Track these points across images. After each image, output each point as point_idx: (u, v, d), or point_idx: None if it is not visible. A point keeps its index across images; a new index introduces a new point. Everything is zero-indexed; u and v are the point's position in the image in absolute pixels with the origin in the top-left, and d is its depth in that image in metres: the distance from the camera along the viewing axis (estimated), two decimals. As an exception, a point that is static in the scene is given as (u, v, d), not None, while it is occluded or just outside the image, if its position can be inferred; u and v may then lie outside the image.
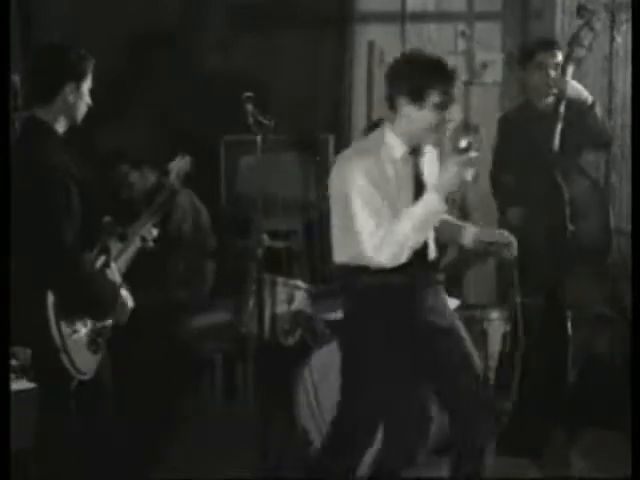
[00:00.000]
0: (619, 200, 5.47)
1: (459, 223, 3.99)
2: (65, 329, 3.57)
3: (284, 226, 5.75)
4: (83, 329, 3.66)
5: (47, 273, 3.54)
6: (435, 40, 6.21)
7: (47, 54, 3.76)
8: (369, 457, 3.99)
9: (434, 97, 3.56)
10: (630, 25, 4.65)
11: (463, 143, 3.57)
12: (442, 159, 3.81)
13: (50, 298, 3.53)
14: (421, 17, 6.18)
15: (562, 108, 4.80)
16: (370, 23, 6.12)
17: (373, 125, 5.41)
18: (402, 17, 6.18)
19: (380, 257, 3.59)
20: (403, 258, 3.60)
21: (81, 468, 3.72)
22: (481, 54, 6.23)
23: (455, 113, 3.64)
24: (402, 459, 4.00)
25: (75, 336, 3.62)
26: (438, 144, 3.69)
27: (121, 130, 5.41)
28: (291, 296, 4.89)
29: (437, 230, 3.81)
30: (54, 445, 3.65)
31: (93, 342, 3.72)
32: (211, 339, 5.32)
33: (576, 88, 4.88)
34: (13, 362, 3.51)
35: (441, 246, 3.92)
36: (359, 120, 6.13)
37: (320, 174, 5.79)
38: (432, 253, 3.80)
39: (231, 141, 5.70)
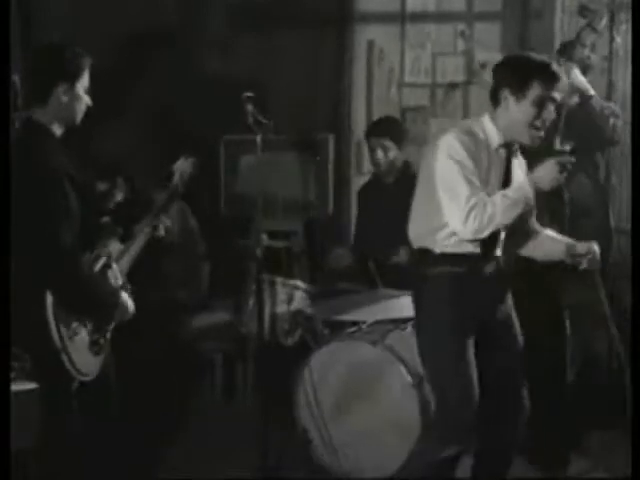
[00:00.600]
0: (619, 200, 5.46)
1: (554, 237, 4.06)
2: (65, 330, 3.58)
3: (284, 226, 5.75)
4: (84, 330, 3.66)
5: (45, 274, 3.53)
6: (435, 40, 6.21)
7: (41, 54, 3.76)
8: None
9: (535, 91, 3.66)
10: (630, 25, 4.64)
11: (567, 146, 3.74)
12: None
13: (49, 299, 3.53)
14: (421, 17, 6.18)
15: (569, 99, 4.80)
16: (370, 23, 6.12)
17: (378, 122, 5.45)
18: (402, 17, 6.18)
19: (465, 226, 3.65)
20: (485, 234, 3.67)
21: (82, 468, 3.72)
22: (481, 54, 6.23)
23: (552, 113, 3.73)
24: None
25: (76, 337, 3.61)
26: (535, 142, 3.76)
27: (121, 131, 5.41)
28: (291, 296, 4.89)
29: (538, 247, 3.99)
30: (55, 445, 3.65)
31: (94, 343, 3.71)
32: (211, 339, 5.33)
33: (580, 77, 4.92)
34: (14, 364, 3.52)
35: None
36: (359, 120, 6.13)
37: (320, 174, 5.79)
38: (499, 250, 3.86)
39: (231, 141, 5.70)
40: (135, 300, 3.85)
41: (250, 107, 4.20)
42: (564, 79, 3.81)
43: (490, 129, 3.76)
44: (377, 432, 4.41)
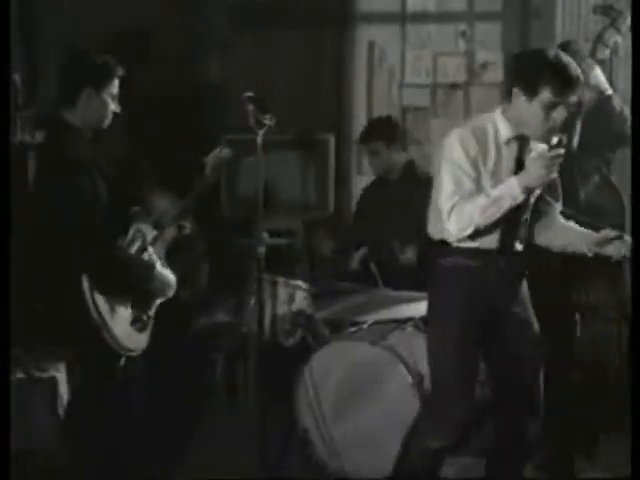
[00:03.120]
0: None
1: (576, 228, 3.95)
2: (104, 307, 3.70)
3: (284, 226, 5.75)
4: (123, 308, 3.79)
5: (80, 255, 3.65)
6: (435, 40, 6.21)
7: (71, 58, 3.93)
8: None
9: (545, 96, 3.58)
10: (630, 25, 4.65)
11: (555, 140, 3.59)
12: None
13: (85, 279, 3.67)
14: (421, 17, 6.18)
15: (586, 95, 4.81)
16: (370, 23, 6.12)
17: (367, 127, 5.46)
18: (402, 17, 6.19)
19: (448, 224, 3.66)
20: (467, 232, 3.66)
21: (83, 465, 3.77)
22: (481, 54, 6.24)
23: (563, 114, 3.62)
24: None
25: (116, 315, 3.75)
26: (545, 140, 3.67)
27: (120, 130, 5.41)
28: (292, 296, 4.89)
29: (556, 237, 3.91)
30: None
31: (137, 320, 3.85)
32: (212, 339, 5.32)
33: (600, 77, 4.91)
34: (17, 368, 3.57)
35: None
36: (359, 120, 6.13)
37: (320, 174, 5.80)
38: (519, 245, 3.82)
39: (232, 141, 5.70)
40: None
41: (251, 107, 4.20)
42: (581, 82, 3.63)
43: (501, 123, 3.72)
44: (377, 432, 4.41)
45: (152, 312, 3.96)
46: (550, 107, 3.61)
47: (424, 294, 4.02)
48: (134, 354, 3.84)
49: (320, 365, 4.55)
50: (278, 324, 4.86)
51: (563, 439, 4.65)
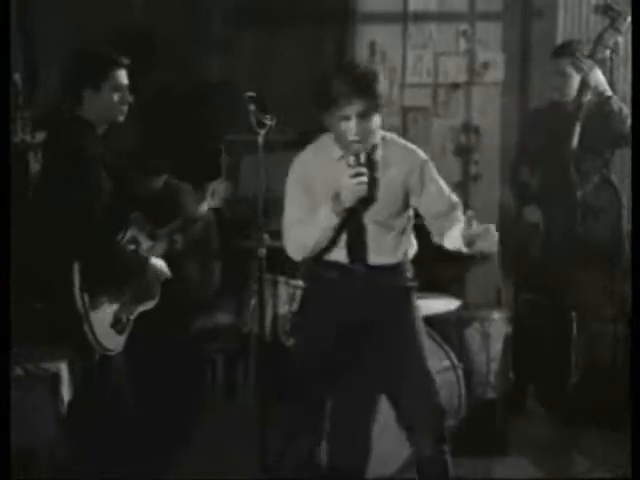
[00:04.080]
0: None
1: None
2: (89, 300, 3.73)
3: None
4: (108, 307, 3.82)
5: (76, 241, 3.68)
6: (437, 40, 6.21)
7: (70, 57, 4.01)
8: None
9: (343, 109, 3.54)
10: (630, 24, 4.65)
11: (351, 159, 3.54)
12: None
13: (77, 267, 3.69)
14: (423, 17, 6.18)
15: (586, 97, 4.81)
16: (372, 23, 6.12)
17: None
18: (404, 17, 6.19)
19: (288, 248, 3.74)
20: (304, 255, 3.71)
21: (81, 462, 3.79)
22: (482, 54, 6.23)
23: (350, 128, 3.53)
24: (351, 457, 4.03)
25: (98, 311, 3.77)
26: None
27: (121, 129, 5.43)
28: (293, 296, 4.89)
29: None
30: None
31: (118, 322, 3.87)
32: (213, 339, 5.33)
33: (600, 77, 4.91)
34: (18, 371, 3.59)
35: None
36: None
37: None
38: (375, 259, 3.74)
39: (232, 141, 5.71)
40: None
41: (252, 107, 4.22)
42: (363, 97, 3.52)
43: (330, 143, 3.71)
44: (376, 432, 4.41)
45: (133, 316, 3.97)
46: (340, 120, 3.56)
47: (423, 294, 4.02)
48: (111, 354, 3.87)
49: (320, 365, 4.54)
50: (279, 324, 4.86)
51: (562, 439, 4.66)
